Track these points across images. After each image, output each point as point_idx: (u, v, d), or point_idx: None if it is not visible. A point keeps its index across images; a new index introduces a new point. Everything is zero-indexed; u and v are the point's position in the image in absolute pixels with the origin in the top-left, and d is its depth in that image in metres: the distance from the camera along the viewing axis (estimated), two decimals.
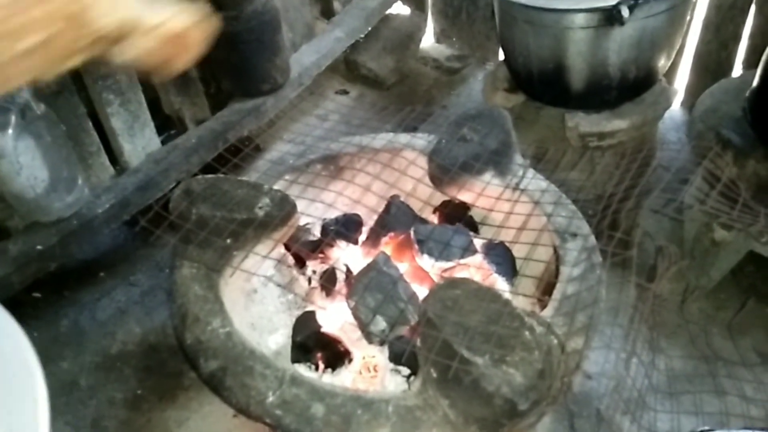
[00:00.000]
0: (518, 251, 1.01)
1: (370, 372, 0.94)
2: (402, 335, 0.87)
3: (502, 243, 1.03)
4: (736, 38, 1.73)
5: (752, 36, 1.70)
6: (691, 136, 1.28)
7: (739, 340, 1.24)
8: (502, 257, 1.03)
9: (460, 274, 0.96)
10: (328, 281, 1.00)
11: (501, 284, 0.97)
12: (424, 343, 0.74)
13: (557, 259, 0.93)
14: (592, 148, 1.49)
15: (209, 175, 0.99)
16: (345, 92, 2.12)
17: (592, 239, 0.95)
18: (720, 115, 1.25)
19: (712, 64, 1.80)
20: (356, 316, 0.87)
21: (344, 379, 0.91)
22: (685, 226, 1.31)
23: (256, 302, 1.01)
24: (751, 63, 1.72)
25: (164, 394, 1.19)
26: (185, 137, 1.49)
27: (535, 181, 1.04)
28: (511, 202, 1.00)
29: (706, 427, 0.89)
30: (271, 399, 0.74)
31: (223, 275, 0.90)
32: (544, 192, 1.02)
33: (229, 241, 0.90)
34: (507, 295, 0.96)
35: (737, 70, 1.78)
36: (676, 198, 1.46)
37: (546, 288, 0.97)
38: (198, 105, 1.61)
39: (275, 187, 1.02)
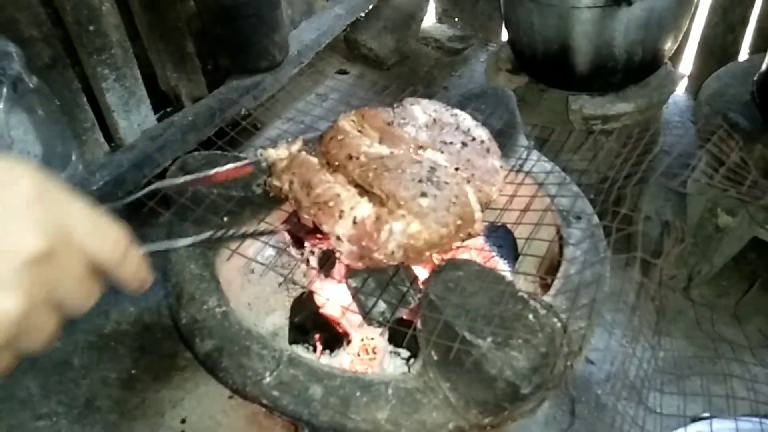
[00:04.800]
0: (521, 233, 0.99)
1: (368, 354, 0.92)
2: (402, 317, 0.86)
3: (504, 226, 1.01)
4: (744, 22, 1.70)
5: (760, 19, 1.67)
6: (697, 119, 1.26)
7: (744, 326, 1.23)
8: (503, 240, 1.01)
9: (461, 256, 0.94)
10: (326, 262, 0.98)
11: (503, 266, 0.95)
12: (425, 326, 0.73)
13: (560, 240, 0.92)
14: (596, 132, 1.47)
15: (205, 152, 0.96)
16: (345, 72, 2.09)
17: (596, 219, 0.93)
18: (727, 99, 1.22)
19: (717, 48, 1.77)
20: (355, 298, 0.86)
21: (342, 360, 0.90)
22: (689, 210, 1.30)
23: (253, 282, 0.99)
24: (758, 47, 1.69)
25: (159, 374, 1.17)
26: (182, 114, 1.46)
27: (539, 163, 1.01)
28: (514, 184, 0.98)
29: (706, 414, 0.89)
30: (268, 380, 0.73)
31: (220, 254, 0.88)
32: (549, 174, 1.00)
33: (226, 219, 0.88)
34: (509, 277, 0.95)
35: (743, 55, 1.75)
36: (679, 179, 1.44)
37: (549, 269, 0.96)
38: (195, 82, 1.58)
39: None
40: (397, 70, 2.14)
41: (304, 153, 0.85)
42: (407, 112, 0.87)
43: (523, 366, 0.66)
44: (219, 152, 0.97)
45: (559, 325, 0.74)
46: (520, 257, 1.00)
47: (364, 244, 0.73)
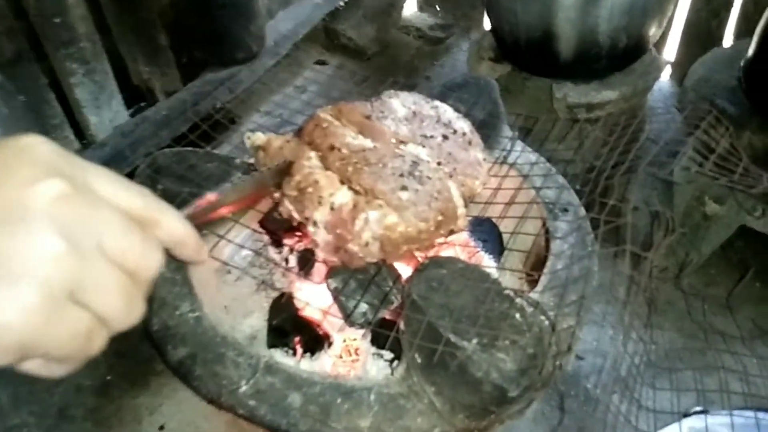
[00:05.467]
0: (506, 227, 0.97)
1: (351, 356, 0.89)
2: (385, 318, 0.82)
3: (488, 219, 0.98)
4: (728, 6, 1.68)
5: (744, 4, 1.66)
6: (683, 106, 1.24)
7: (735, 316, 1.21)
8: (488, 234, 0.98)
9: (444, 252, 0.91)
10: (306, 261, 0.95)
11: (488, 262, 0.92)
12: (407, 327, 0.69)
13: (547, 234, 0.89)
14: (580, 121, 1.45)
15: (177, 148, 0.92)
16: (324, 62, 2.04)
17: (583, 212, 0.90)
18: (713, 85, 1.20)
19: (702, 34, 1.75)
20: (336, 300, 0.82)
21: (324, 363, 0.86)
22: (676, 199, 1.28)
23: (229, 283, 0.95)
24: (742, 32, 1.67)
25: (136, 379, 1.13)
26: (155, 109, 1.41)
27: (524, 154, 0.98)
28: (498, 177, 0.95)
29: (699, 408, 0.87)
30: (244, 388, 0.69)
31: None
32: (533, 165, 0.97)
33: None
34: (494, 273, 0.92)
35: (728, 40, 1.74)
36: (667, 168, 1.42)
37: (535, 264, 0.93)
38: (169, 75, 1.53)
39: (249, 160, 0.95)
40: (378, 59, 2.09)
41: (295, 141, 0.81)
42: (386, 105, 0.83)
43: (510, 368, 0.63)
44: (190, 149, 0.92)
45: (547, 323, 0.71)
46: (506, 252, 0.97)
47: (339, 232, 0.70)
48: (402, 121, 0.82)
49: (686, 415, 0.83)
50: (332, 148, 0.74)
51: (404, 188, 0.71)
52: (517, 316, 0.67)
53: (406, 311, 0.70)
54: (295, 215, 0.75)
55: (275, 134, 0.85)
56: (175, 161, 0.89)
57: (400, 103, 0.85)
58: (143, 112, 1.41)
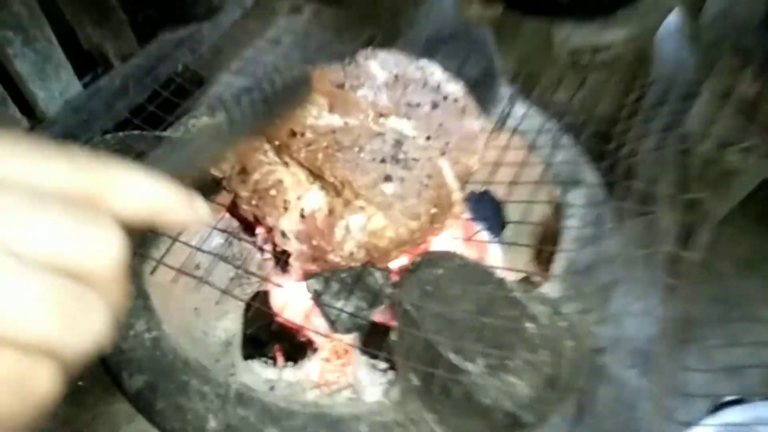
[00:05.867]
0: (510, 206, 0.85)
1: (340, 358, 0.79)
2: (376, 322, 0.72)
3: (487, 192, 0.87)
4: None
5: None
6: (699, 45, 1.10)
7: (755, 278, 1.12)
8: (489, 209, 0.87)
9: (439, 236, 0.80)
10: (284, 252, 0.83)
11: (492, 251, 0.81)
12: (400, 343, 0.59)
13: (558, 213, 0.77)
14: (582, 65, 1.30)
15: (122, 133, 0.79)
16: (298, 9, 1.86)
17: (598, 181, 0.78)
18: (734, 21, 1.06)
19: None
20: (318, 303, 0.71)
21: (310, 370, 0.76)
22: (693, 149, 1.15)
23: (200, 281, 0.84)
24: None
25: (110, 385, 1.03)
26: (108, 79, 1.25)
27: (527, 118, 0.86)
28: (498, 148, 0.82)
29: (733, 397, 0.77)
30: (212, 424, 0.59)
31: (149, 262, 0.73)
32: (539, 132, 0.84)
33: None
34: (499, 257, 0.81)
35: None
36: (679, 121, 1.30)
37: (543, 238, 0.82)
38: (122, 38, 1.36)
39: None
40: (357, 4, 1.91)
41: None
42: (362, 69, 0.70)
43: (524, 394, 0.53)
44: (137, 132, 0.79)
45: (565, 326, 0.61)
46: (510, 226, 0.86)
47: (315, 243, 0.58)
48: (382, 89, 0.69)
49: (720, 405, 0.74)
50: (293, 134, 0.61)
51: (388, 178, 0.59)
52: (530, 326, 0.56)
53: (398, 323, 0.60)
54: (258, 218, 0.63)
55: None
56: (119, 149, 0.76)
57: (378, 66, 0.71)
58: (95, 83, 1.26)
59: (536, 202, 0.77)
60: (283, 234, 0.59)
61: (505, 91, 0.88)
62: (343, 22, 1.85)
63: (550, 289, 0.67)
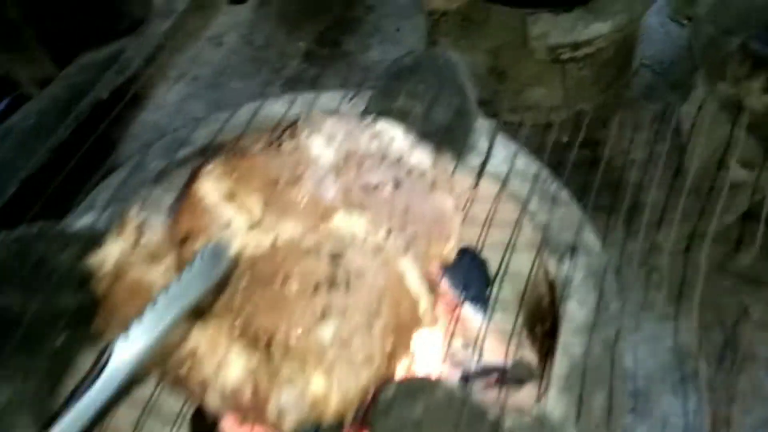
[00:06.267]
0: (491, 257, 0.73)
1: None
2: None
3: (467, 249, 0.74)
4: None
5: None
6: (697, 41, 0.96)
7: (758, 292, 1.03)
8: (471, 271, 0.74)
9: None
10: None
11: (477, 328, 0.69)
12: None
13: (551, 288, 0.65)
14: (563, 61, 1.17)
15: (19, 231, 0.64)
16: (241, 0, 1.66)
17: (599, 249, 0.66)
18: (735, 14, 0.92)
19: None
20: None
21: None
22: (686, 159, 1.04)
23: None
24: None
25: None
26: (22, 115, 1.08)
27: (505, 162, 0.72)
28: (477, 201, 0.69)
29: None
30: None
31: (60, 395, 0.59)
32: (523, 176, 0.71)
33: (61, 341, 0.59)
34: (487, 345, 0.69)
35: None
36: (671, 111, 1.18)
37: (535, 308, 0.70)
38: (36, 61, 1.18)
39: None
40: None
41: (146, 240, 0.54)
42: (302, 152, 0.56)
43: None
44: (40, 225, 0.64)
45: None
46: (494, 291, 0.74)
47: (250, 419, 0.46)
48: (329, 175, 0.55)
49: None
50: None
51: (325, 315, 0.46)
52: None
53: None
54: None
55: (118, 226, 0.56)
56: (14, 255, 0.61)
57: (323, 144, 0.57)
58: (6, 121, 1.09)
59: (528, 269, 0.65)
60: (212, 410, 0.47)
61: (483, 126, 0.75)
62: (291, 10, 1.67)
63: (551, 402, 0.55)
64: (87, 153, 0.80)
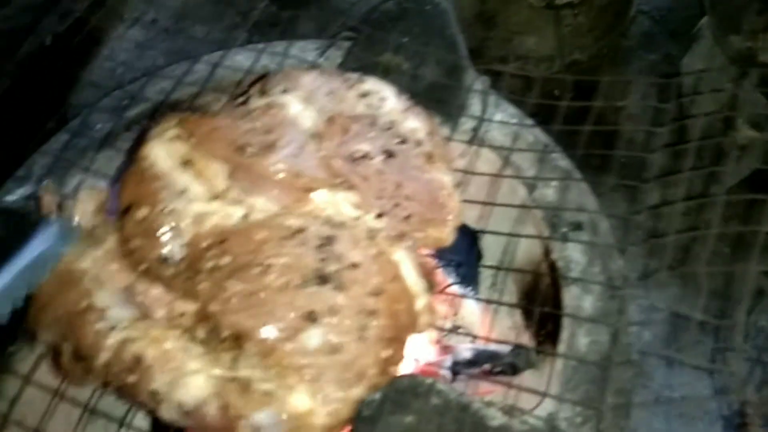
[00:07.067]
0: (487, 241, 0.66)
1: None
2: None
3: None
4: None
5: None
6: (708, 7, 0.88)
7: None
8: (460, 246, 0.67)
9: None
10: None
11: (468, 310, 0.63)
12: None
13: (552, 270, 0.59)
14: (557, 6, 1.07)
15: None
16: None
17: (605, 225, 0.60)
18: None
19: None
20: None
21: None
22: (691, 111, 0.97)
23: None
24: None
25: None
26: None
27: (502, 125, 0.64)
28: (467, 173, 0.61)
29: None
30: None
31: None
32: (517, 139, 0.63)
33: None
34: (477, 324, 0.63)
35: None
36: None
37: (531, 289, 0.64)
38: None
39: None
40: None
41: (101, 230, 0.45)
42: (275, 114, 0.46)
43: None
44: None
45: None
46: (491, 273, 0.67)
47: None
48: (308, 143, 0.46)
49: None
50: (162, 260, 0.39)
51: (312, 317, 0.38)
52: None
53: None
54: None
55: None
56: None
57: (300, 103, 0.48)
58: None
59: (521, 236, 0.58)
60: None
61: (475, 84, 0.66)
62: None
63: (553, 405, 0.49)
64: (30, 108, 0.70)
